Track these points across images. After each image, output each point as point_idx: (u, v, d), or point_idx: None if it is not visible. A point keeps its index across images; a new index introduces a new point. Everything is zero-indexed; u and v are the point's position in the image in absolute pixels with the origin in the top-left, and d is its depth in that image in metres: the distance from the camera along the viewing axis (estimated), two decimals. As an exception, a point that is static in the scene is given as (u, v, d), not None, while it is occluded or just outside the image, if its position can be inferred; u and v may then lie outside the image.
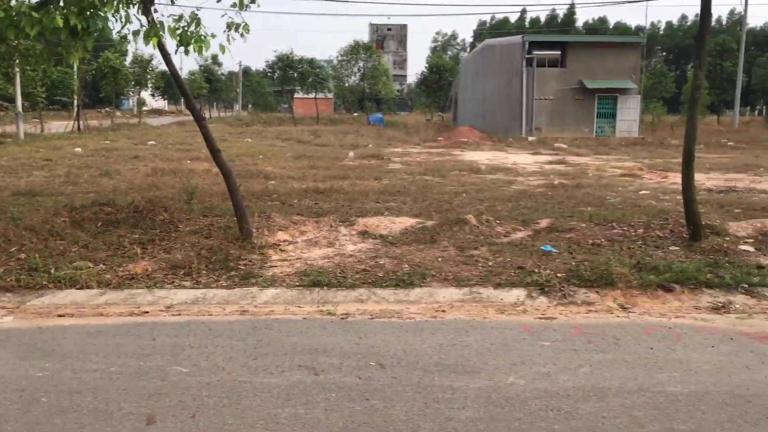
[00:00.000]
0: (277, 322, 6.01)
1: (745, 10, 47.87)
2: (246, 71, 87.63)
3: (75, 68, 37.51)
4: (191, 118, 8.74)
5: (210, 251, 8.06)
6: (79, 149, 22.22)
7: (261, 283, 7.13)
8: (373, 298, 6.80)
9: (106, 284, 7.03)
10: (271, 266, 7.81)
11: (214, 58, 68.42)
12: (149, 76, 55.04)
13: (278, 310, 6.42)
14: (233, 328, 5.82)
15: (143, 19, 7.64)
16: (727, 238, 8.82)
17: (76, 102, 38.26)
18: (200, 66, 67.06)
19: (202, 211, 10.15)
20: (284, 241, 8.91)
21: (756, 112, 78.66)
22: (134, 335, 5.64)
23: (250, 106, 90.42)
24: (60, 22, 6.58)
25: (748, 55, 58.62)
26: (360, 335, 5.67)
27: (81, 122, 35.06)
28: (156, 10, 7.73)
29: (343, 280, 7.19)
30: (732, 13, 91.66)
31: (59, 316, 6.25)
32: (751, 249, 8.49)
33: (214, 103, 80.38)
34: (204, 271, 7.50)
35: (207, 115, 59.55)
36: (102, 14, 7.01)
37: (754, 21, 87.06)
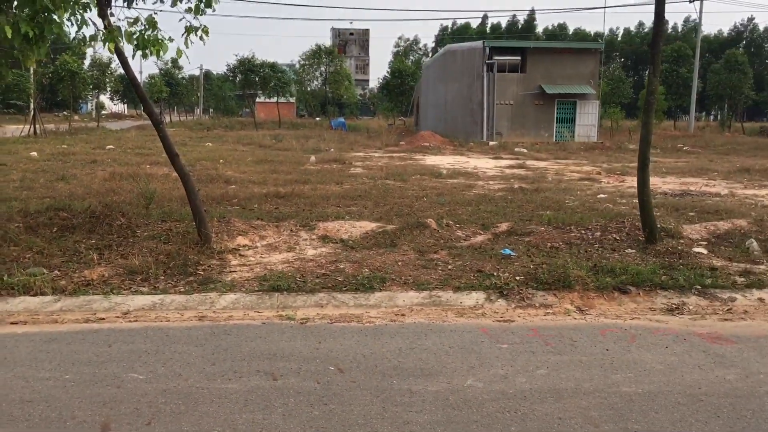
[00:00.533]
0: (235, 328, 5.97)
1: (700, 18, 49.11)
2: (207, 75, 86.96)
3: (31, 71, 36.68)
4: (151, 122, 8.63)
5: (168, 256, 7.97)
6: (35, 153, 21.74)
7: (220, 289, 7.08)
8: (332, 302, 6.80)
9: (61, 291, 6.91)
10: (231, 271, 7.76)
11: (175, 62, 67.76)
12: (108, 80, 54.28)
13: (237, 316, 6.38)
14: (191, 334, 5.77)
15: (99, 22, 7.54)
16: (682, 241, 9.03)
17: (32, 105, 37.39)
18: (160, 70, 66.27)
19: (160, 216, 10.02)
20: (244, 245, 8.85)
21: (711, 117, 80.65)
22: (89, 342, 5.55)
23: (211, 110, 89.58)
24: (9, 32, 6.40)
25: (703, 62, 60.20)
26: (319, 340, 5.66)
27: (38, 126, 34.27)
28: (113, 14, 7.63)
29: (302, 285, 7.17)
30: (687, 20, 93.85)
31: (12, 323, 6.12)
32: (704, 251, 8.71)
33: (175, 107, 79.42)
34: (162, 277, 7.42)
35: (167, 120, 59.02)
36: (56, 19, 6.87)
37: (708, 28, 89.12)
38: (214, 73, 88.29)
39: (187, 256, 8.01)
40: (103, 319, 6.26)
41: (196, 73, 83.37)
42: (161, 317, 6.33)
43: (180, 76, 70.86)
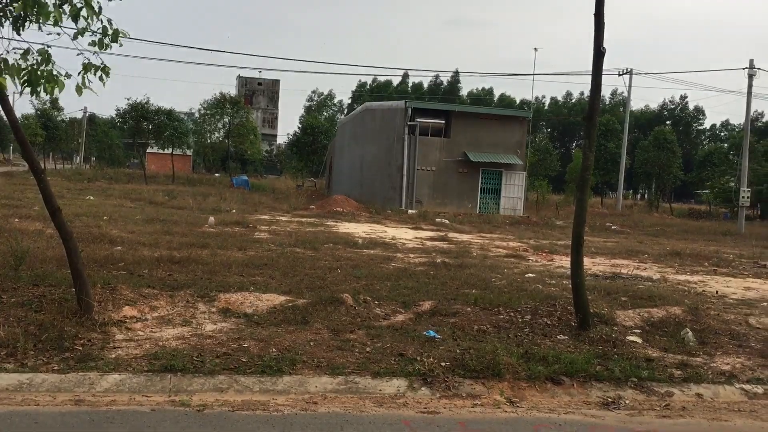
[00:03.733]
0: (119, 415, 5.70)
1: (629, 92, 52.27)
2: (91, 119, 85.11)
3: None
4: (22, 168, 8.36)
5: (40, 328, 7.60)
6: None
7: (102, 367, 6.76)
8: (234, 386, 6.61)
9: None
10: (115, 347, 7.45)
11: (54, 102, 66.05)
12: (-28, 118, 52.28)
13: (122, 400, 6.11)
14: (66, 422, 5.47)
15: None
16: (615, 328, 9.33)
17: None
18: (36, 110, 64.48)
19: (32, 280, 9.57)
20: (131, 317, 8.55)
21: (639, 196, 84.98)
22: (-61, 430, 5.16)
23: (93, 158, 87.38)
24: None
25: (631, 137, 63.79)
26: (218, 430, 5.47)
27: None
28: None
29: (200, 366, 6.95)
30: (614, 93, 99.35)
31: None
32: (639, 340, 9.02)
33: (51, 153, 77.09)
34: (32, 352, 7.04)
35: (42, 167, 56.92)
36: None
37: (636, 103, 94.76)
38: (100, 116, 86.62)
39: (63, 328, 7.65)
40: (-42, 401, 5.85)
41: (79, 115, 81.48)
42: (29, 400, 5.98)
43: (59, 118, 69.15)
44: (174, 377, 6.68)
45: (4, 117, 8.14)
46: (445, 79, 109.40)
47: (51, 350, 7.14)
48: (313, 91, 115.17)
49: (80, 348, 7.28)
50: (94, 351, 7.23)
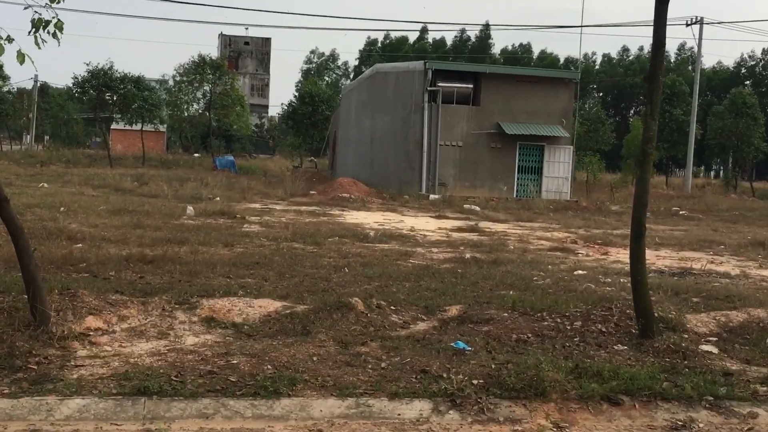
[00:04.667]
0: (84, 448, 5.74)
1: (699, 47, 51.72)
2: (43, 89, 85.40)
3: None
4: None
5: (-14, 343, 7.66)
6: None
7: (62, 390, 6.81)
8: (222, 411, 6.65)
9: None
10: (77, 365, 7.51)
11: (-2, 70, 66.34)
12: None
13: (86, 430, 6.15)
14: (19, 456, 5.51)
15: None
16: (686, 336, 9.30)
17: None
18: (-24, 82, 64.83)
19: (-25, 286, 9.66)
20: (96, 329, 8.61)
21: (712, 174, 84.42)
22: None
23: (47, 137, 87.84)
24: None
25: (702, 102, 63.19)
26: (204, 466, 5.51)
27: None
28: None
29: (180, 387, 6.98)
30: (682, 48, 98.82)
31: None
32: (715, 350, 8.99)
33: (-5, 132, 77.58)
34: (-23, 373, 7.10)
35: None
36: None
37: (708, 60, 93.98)
38: (55, 86, 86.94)
39: (13, 343, 7.71)
40: None
41: (29, 86, 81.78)
42: (-25, 431, 6.04)
43: (5, 89, 69.43)
44: (149, 401, 6.71)
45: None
46: (472, 34, 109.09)
47: (1, 370, 7.20)
48: (312, 51, 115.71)
49: (35, 367, 7.33)
50: (52, 371, 7.27)
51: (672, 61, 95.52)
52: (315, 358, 7.96)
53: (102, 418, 6.42)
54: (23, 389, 6.82)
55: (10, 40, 7.36)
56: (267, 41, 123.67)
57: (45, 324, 8.19)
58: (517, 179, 38.21)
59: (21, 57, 7.49)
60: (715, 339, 9.41)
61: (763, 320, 10.08)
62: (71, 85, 58.71)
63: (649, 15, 9.11)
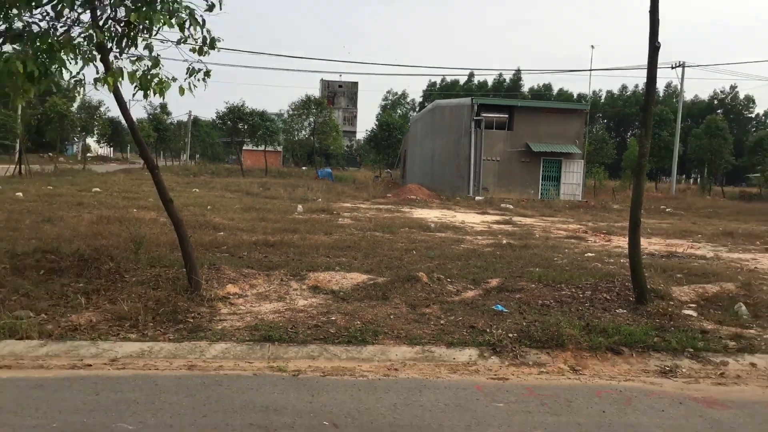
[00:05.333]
0: (226, 378, 5.86)
1: (682, 84, 50.32)
2: (195, 121, 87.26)
3: (19, 111, 36.66)
4: (137, 165, 8.70)
5: (157, 303, 7.86)
6: (20, 194, 21.58)
7: (210, 337, 6.97)
8: (324, 354, 6.71)
9: (47, 335, 6.77)
10: (221, 320, 7.65)
11: (164, 107, 68.40)
12: (96, 123, 54.35)
13: (228, 366, 6.27)
14: (181, 384, 5.65)
15: (100, 65, 7.58)
16: (672, 303, 9.05)
17: (18, 146, 37.23)
18: (148, 114, 66.72)
19: (149, 262, 9.91)
20: (234, 294, 8.76)
21: (691, 180, 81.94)
22: (77, 389, 5.41)
23: (198, 156, 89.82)
24: (20, 68, 6.47)
25: (684, 126, 61.44)
26: (312, 393, 5.57)
27: (23, 166, 34.05)
28: (117, 57, 7.69)
29: (294, 336, 7.08)
30: (668, 86, 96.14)
31: (-5, 367, 5.96)
32: (694, 314, 8.74)
33: (161, 152, 79.61)
34: (151, 324, 7.30)
35: (155, 163, 58.76)
36: (62, 57, 6.92)
37: (687, 95, 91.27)
38: (203, 119, 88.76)
39: (176, 303, 7.90)
40: (91, 365, 6.12)
41: (185, 119, 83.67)
42: (150, 365, 6.20)
43: (168, 121, 71.36)
44: (272, 346, 6.82)
45: (124, 122, 8.49)
46: (507, 77, 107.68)
47: (167, 322, 7.39)
48: (388, 91, 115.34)
49: (191, 320, 7.51)
50: (203, 323, 7.45)
51: (661, 95, 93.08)
52: (392, 316, 7.98)
53: (239, 357, 6.54)
54: (183, 336, 7.00)
55: (174, 79, 7.57)
56: (355, 84, 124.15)
57: (198, 290, 8.39)
58: (541, 185, 37.74)
59: (182, 90, 7.68)
60: (694, 305, 9.15)
61: (731, 292, 9.76)
62: (214, 117, 59.96)
63: (643, 60, 8.89)
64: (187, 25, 7.38)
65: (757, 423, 5.35)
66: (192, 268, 8.53)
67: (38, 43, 6.72)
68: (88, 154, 63.17)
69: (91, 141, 69.68)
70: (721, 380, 6.56)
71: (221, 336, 7.02)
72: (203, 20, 7.56)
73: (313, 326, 7.45)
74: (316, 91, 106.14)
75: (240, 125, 56.95)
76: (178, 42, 7.67)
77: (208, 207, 20.42)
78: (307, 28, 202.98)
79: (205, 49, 7.81)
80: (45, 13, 7.36)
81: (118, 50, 7.84)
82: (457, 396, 5.65)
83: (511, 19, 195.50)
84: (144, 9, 7.04)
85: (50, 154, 54.19)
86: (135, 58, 7.50)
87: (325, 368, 6.31)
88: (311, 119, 62.45)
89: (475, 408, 5.38)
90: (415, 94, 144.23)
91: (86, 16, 7.56)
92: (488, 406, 5.43)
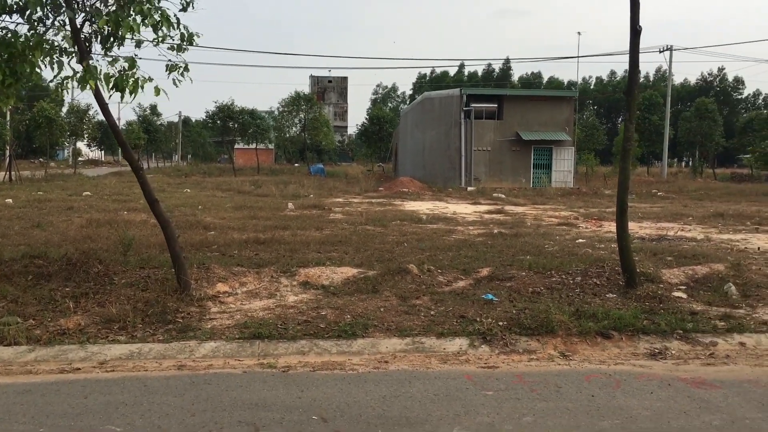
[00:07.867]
0: (216, 377, 5.85)
1: (670, 68, 50.36)
2: (185, 121, 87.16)
3: (8, 117, 36.48)
4: (129, 168, 8.60)
5: (146, 304, 7.84)
6: (10, 200, 21.48)
7: (199, 337, 6.95)
8: (314, 349, 6.70)
9: (35, 340, 6.73)
10: (210, 319, 7.64)
11: (153, 108, 68.15)
12: (85, 127, 54.14)
13: (217, 364, 6.26)
14: (170, 384, 5.63)
15: (78, 66, 7.52)
16: (661, 285, 9.07)
17: (8, 152, 37.05)
18: (139, 116, 66.47)
19: (138, 263, 9.86)
20: (224, 292, 8.74)
21: (683, 164, 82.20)
22: (65, 394, 5.39)
23: (189, 156, 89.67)
24: None
25: (674, 110, 61.59)
26: (302, 388, 5.56)
27: (13, 173, 33.89)
28: (93, 58, 7.64)
29: (284, 332, 7.07)
30: (658, 70, 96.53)
31: (-17, 374, 5.93)
32: (684, 296, 8.76)
33: (153, 154, 79.35)
34: (140, 325, 7.27)
35: (145, 166, 58.72)
36: (31, 60, 6.88)
37: (677, 78, 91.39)
38: (193, 119, 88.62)
39: (165, 304, 7.88)
40: (79, 369, 6.10)
41: (175, 119, 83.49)
42: (139, 366, 6.19)
43: (159, 122, 71.10)
44: (262, 343, 6.81)
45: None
46: (497, 66, 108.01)
47: (156, 323, 7.36)
48: (378, 85, 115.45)
49: (181, 320, 7.49)
50: (192, 322, 7.43)
51: (651, 80, 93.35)
52: (382, 309, 7.98)
53: (229, 355, 6.53)
54: (172, 336, 6.98)
55: (150, 79, 7.54)
56: (345, 79, 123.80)
57: (187, 289, 8.36)
58: (533, 173, 37.82)
59: (157, 91, 7.65)
60: (684, 287, 9.17)
61: (721, 272, 9.77)
62: (204, 117, 59.85)
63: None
64: (160, 25, 7.34)
65: (746, 401, 5.36)
66: (181, 268, 8.50)
67: (8, 49, 6.66)
68: (79, 159, 62.85)
69: (81, 145, 69.33)
70: (710, 360, 6.58)
71: (211, 335, 7.00)
72: (177, 19, 7.52)
73: (303, 322, 7.44)
74: (305, 88, 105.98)
75: (230, 124, 56.83)
76: (156, 43, 7.63)
77: (199, 207, 20.35)
78: (298, 26, 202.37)
79: (184, 45, 7.78)
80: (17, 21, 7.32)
81: (103, 51, 7.81)
82: (447, 386, 5.65)
83: (499, 8, 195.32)
84: (113, 13, 6.99)
85: (41, 159, 54.01)
86: (111, 59, 7.45)
87: (315, 363, 6.30)
88: (302, 115, 62.26)
89: (464, 397, 5.38)
90: (406, 87, 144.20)
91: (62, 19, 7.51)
92: (477, 395, 5.43)
